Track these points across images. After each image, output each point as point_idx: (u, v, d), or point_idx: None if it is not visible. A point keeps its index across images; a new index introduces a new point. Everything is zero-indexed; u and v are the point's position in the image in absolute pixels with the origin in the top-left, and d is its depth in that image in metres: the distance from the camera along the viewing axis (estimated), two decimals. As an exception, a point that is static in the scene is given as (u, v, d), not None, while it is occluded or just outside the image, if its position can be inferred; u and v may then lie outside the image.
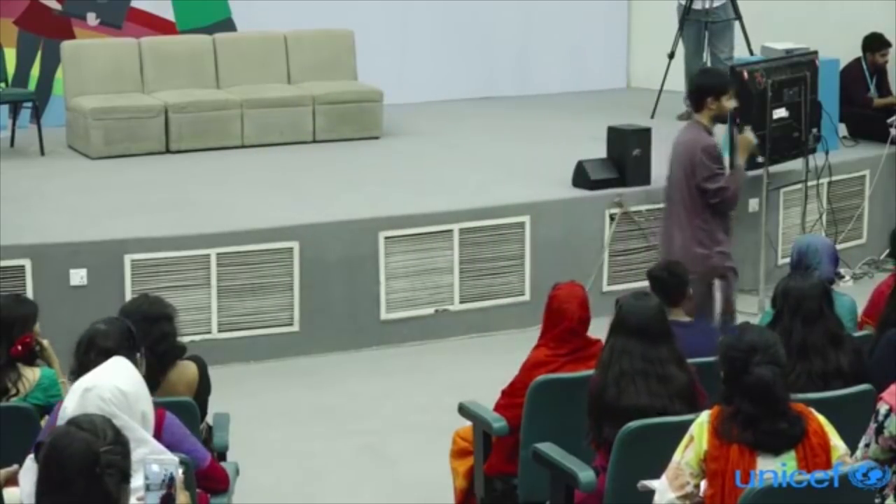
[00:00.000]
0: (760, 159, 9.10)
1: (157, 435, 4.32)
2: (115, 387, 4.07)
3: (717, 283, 7.63)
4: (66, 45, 11.36)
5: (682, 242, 7.69)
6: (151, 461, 3.85)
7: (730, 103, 7.61)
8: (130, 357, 4.54)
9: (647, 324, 5.30)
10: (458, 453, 6.35)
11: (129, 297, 8.13)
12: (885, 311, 5.95)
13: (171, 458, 3.91)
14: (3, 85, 11.33)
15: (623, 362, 5.24)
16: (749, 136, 8.00)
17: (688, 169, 7.59)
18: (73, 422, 3.58)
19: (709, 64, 11.86)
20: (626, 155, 9.84)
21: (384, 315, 9.10)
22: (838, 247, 8.64)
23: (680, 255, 7.46)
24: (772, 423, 4.41)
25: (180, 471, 3.88)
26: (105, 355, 4.46)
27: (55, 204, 9.39)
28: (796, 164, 9.77)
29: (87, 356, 4.67)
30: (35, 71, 12.07)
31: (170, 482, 3.81)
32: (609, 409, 5.21)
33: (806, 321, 5.56)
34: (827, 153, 9.58)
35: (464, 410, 6.18)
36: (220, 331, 8.73)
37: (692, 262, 7.30)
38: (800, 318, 5.57)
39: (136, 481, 3.79)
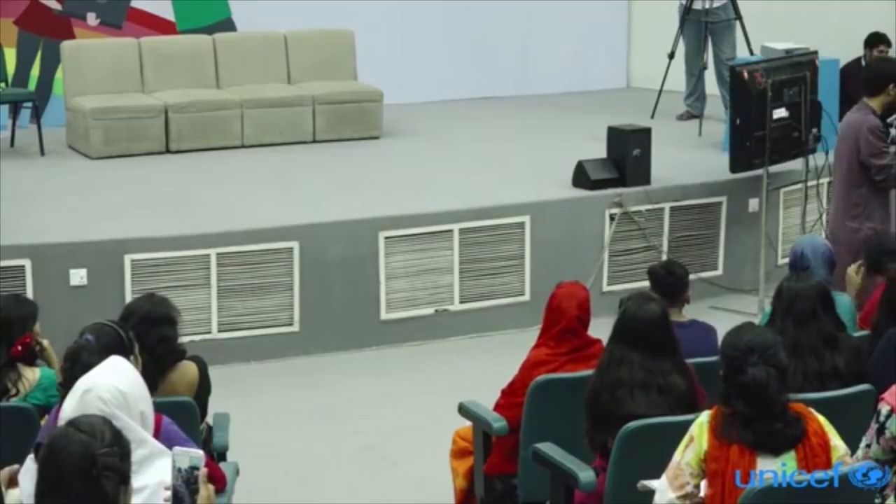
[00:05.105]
0: None
1: (154, 438, 4.30)
2: (114, 387, 4.06)
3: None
4: (66, 45, 11.36)
5: (836, 214, 8.35)
6: (179, 452, 3.88)
7: None
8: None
9: (649, 333, 5.25)
10: (458, 453, 6.35)
11: (129, 297, 8.14)
12: (877, 315, 5.93)
13: (197, 452, 3.92)
14: (3, 85, 11.33)
15: (622, 371, 5.20)
16: None
17: (853, 145, 8.13)
18: (72, 423, 3.57)
19: (710, 64, 11.87)
20: (626, 155, 9.84)
21: (384, 315, 9.10)
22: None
23: (832, 226, 8.30)
24: (766, 423, 4.40)
25: (204, 464, 3.90)
26: (88, 371, 4.40)
27: (55, 204, 9.39)
28: (796, 164, 9.76)
29: (73, 371, 4.63)
30: (35, 71, 12.07)
31: (195, 474, 3.84)
32: (604, 414, 5.20)
33: (798, 322, 5.56)
34: (827, 153, 9.56)
35: (464, 410, 6.18)
36: (220, 331, 8.73)
37: (843, 234, 8.10)
38: (791, 319, 5.57)
39: (138, 481, 3.79)
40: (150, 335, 5.40)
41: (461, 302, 9.31)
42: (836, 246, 7.14)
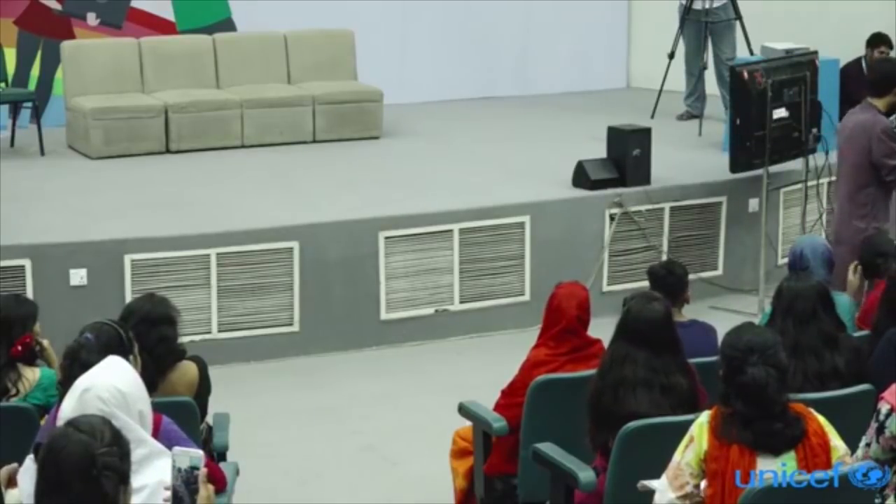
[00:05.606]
0: None
1: (153, 438, 4.30)
2: (113, 387, 4.06)
3: None
4: (66, 45, 11.36)
5: (842, 214, 8.29)
6: (179, 452, 3.88)
7: None
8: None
9: (653, 332, 5.24)
10: (458, 453, 6.35)
11: (129, 297, 8.14)
12: (877, 315, 5.94)
13: (197, 452, 3.93)
14: (3, 85, 11.33)
15: (625, 369, 5.20)
16: None
17: (864, 146, 8.09)
18: (72, 423, 3.57)
19: (710, 64, 11.87)
20: (626, 155, 9.84)
21: (384, 315, 9.10)
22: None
23: (837, 226, 8.23)
24: (766, 423, 4.40)
25: (203, 464, 3.90)
26: (87, 370, 4.39)
27: (55, 204, 9.39)
28: (796, 164, 9.76)
29: (72, 369, 4.62)
30: (35, 71, 12.07)
31: (194, 474, 3.85)
32: (606, 414, 5.20)
33: (798, 322, 5.56)
34: (827, 153, 9.57)
35: (464, 410, 6.18)
36: (220, 331, 8.73)
37: (848, 233, 8.03)
38: (792, 319, 5.57)
39: (137, 481, 3.79)
40: (150, 335, 5.40)
41: (461, 302, 9.31)
42: (839, 246, 7.11)
